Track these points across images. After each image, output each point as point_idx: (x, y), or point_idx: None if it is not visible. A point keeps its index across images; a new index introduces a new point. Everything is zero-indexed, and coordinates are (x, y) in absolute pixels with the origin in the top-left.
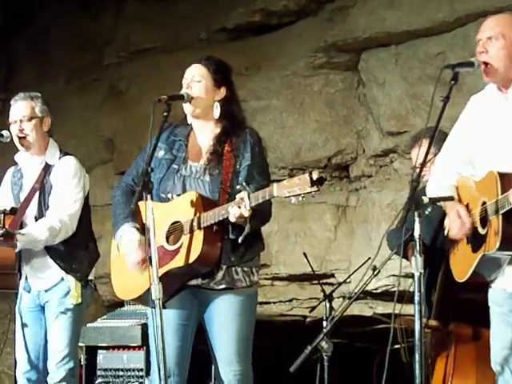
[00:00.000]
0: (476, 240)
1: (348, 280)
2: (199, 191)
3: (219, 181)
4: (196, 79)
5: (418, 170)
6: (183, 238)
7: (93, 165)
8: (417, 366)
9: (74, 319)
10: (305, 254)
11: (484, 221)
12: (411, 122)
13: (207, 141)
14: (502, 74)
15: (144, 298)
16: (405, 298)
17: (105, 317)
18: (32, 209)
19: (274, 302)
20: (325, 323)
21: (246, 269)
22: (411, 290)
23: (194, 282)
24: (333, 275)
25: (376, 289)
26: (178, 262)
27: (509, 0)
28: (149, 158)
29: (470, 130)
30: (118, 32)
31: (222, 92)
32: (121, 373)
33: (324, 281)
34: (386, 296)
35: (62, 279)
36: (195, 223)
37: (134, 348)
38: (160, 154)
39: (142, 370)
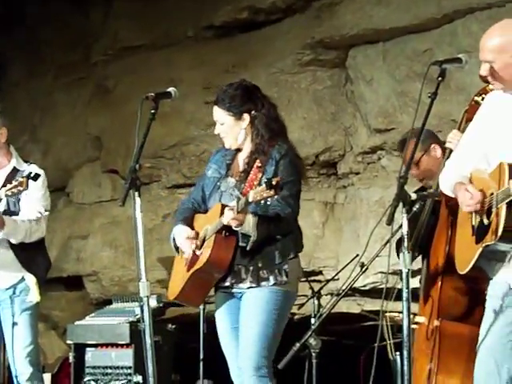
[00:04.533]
0: (480, 231)
1: (336, 277)
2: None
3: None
4: (220, 122)
5: (404, 167)
6: (205, 243)
7: (80, 163)
8: (405, 362)
9: (34, 316)
10: None
11: (489, 211)
12: (399, 119)
13: (244, 158)
14: (508, 86)
15: (182, 300)
16: (391, 294)
17: (93, 314)
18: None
19: None
20: (313, 320)
21: (274, 270)
22: (399, 286)
23: (226, 284)
24: (321, 272)
25: (364, 286)
26: (198, 264)
27: None
28: (136, 156)
29: (485, 127)
30: (107, 29)
31: (246, 118)
32: (109, 370)
33: (312, 278)
34: (374, 293)
35: (23, 278)
36: (211, 229)
37: (122, 346)
38: (209, 172)
39: (130, 367)
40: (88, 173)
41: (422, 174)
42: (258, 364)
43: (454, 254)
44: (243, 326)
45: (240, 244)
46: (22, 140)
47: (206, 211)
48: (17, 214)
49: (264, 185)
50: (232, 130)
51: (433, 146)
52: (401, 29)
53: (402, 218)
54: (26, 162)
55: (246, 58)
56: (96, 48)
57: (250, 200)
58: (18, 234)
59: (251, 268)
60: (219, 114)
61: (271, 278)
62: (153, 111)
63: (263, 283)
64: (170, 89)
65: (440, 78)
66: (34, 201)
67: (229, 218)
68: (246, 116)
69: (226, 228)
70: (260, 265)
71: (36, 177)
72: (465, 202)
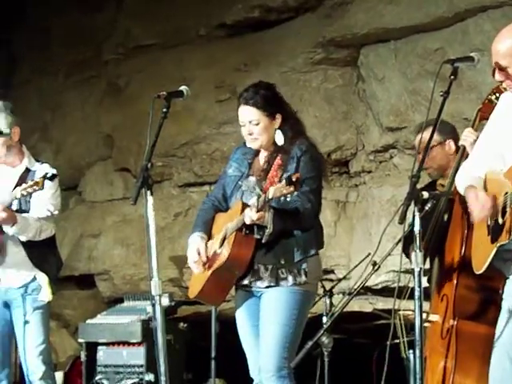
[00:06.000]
0: (495, 231)
1: (348, 276)
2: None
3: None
4: (254, 123)
5: (417, 166)
6: (226, 241)
7: (92, 161)
8: (417, 361)
9: (46, 315)
10: None
11: (504, 211)
12: (411, 117)
13: (265, 156)
14: None
15: (203, 299)
16: (404, 293)
17: (104, 313)
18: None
19: None
20: (325, 319)
21: (293, 269)
22: (411, 285)
23: (245, 282)
24: (333, 271)
25: (376, 285)
26: (218, 262)
27: None
28: (148, 155)
29: (500, 127)
30: (118, 27)
31: (279, 118)
32: (121, 369)
33: (324, 277)
34: (386, 292)
35: (35, 277)
36: (232, 227)
37: (133, 344)
38: (229, 171)
39: (142, 366)
40: (100, 171)
41: (429, 162)
42: (279, 365)
43: (469, 253)
44: (263, 326)
45: (255, 236)
46: (34, 139)
47: (227, 209)
48: (27, 212)
49: (284, 181)
50: (267, 131)
51: (448, 141)
52: (412, 27)
53: (414, 216)
54: (37, 161)
55: (258, 56)
56: (107, 46)
57: (270, 197)
58: (28, 232)
59: (270, 267)
60: (253, 114)
61: (290, 277)
62: (165, 110)
63: (282, 283)
64: (182, 87)
65: (452, 77)
66: (45, 199)
67: (250, 217)
68: (279, 116)
69: (246, 226)
70: (281, 263)
71: (53, 177)
72: (475, 210)
